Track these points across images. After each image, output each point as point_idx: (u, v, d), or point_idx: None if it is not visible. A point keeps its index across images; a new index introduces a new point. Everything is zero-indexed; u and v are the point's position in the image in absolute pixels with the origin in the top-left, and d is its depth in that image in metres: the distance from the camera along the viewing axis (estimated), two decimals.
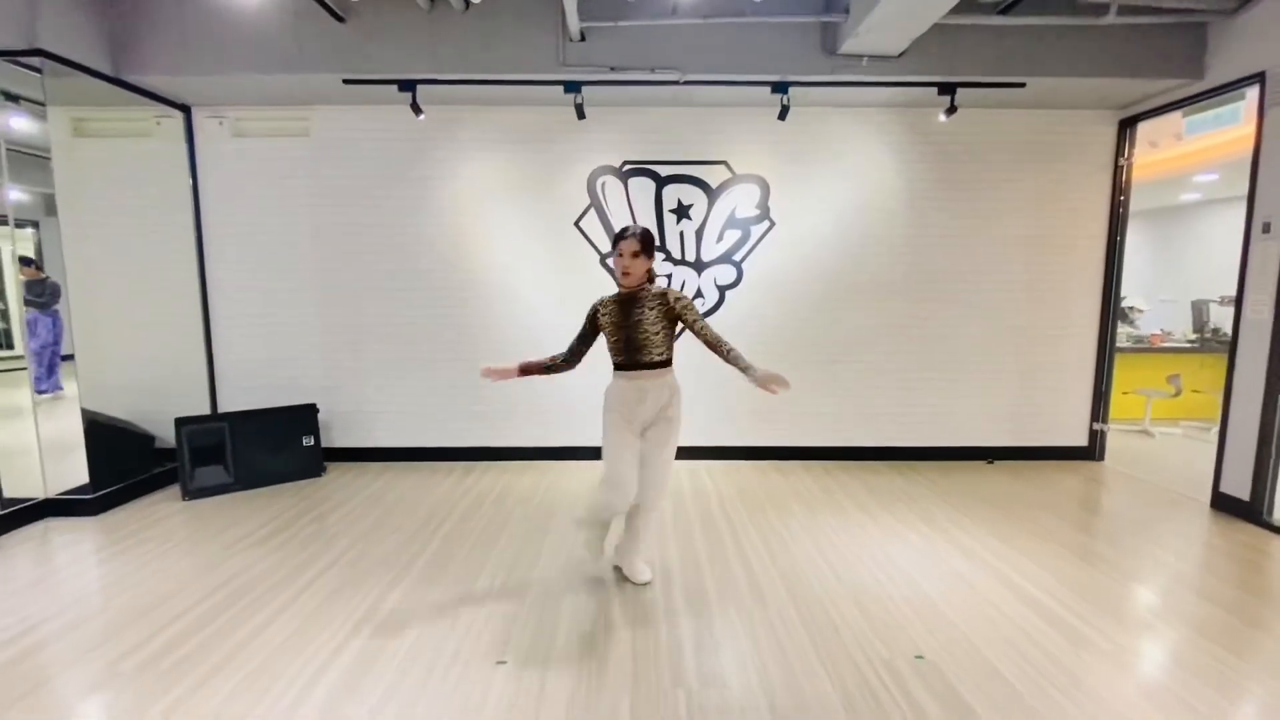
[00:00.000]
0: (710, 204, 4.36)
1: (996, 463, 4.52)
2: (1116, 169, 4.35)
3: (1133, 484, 4.12)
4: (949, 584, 2.69)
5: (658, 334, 2.45)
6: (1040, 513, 3.55)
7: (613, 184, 4.33)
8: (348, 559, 2.95)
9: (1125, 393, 6.12)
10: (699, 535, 3.21)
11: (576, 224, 4.36)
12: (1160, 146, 4.94)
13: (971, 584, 2.69)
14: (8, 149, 3.33)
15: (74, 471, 3.56)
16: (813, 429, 4.56)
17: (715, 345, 2.40)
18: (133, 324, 4.36)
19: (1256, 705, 1.95)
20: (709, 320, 2.57)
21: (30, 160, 3.51)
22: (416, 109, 3.88)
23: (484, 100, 4.13)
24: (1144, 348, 6.32)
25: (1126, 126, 4.29)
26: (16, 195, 3.48)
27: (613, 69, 3.68)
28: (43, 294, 3.63)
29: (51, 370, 3.63)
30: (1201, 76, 3.72)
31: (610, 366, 2.59)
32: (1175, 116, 4.14)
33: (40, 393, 3.61)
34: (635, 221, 4.36)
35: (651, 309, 2.45)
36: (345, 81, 3.76)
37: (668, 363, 2.52)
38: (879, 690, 1.98)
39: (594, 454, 4.51)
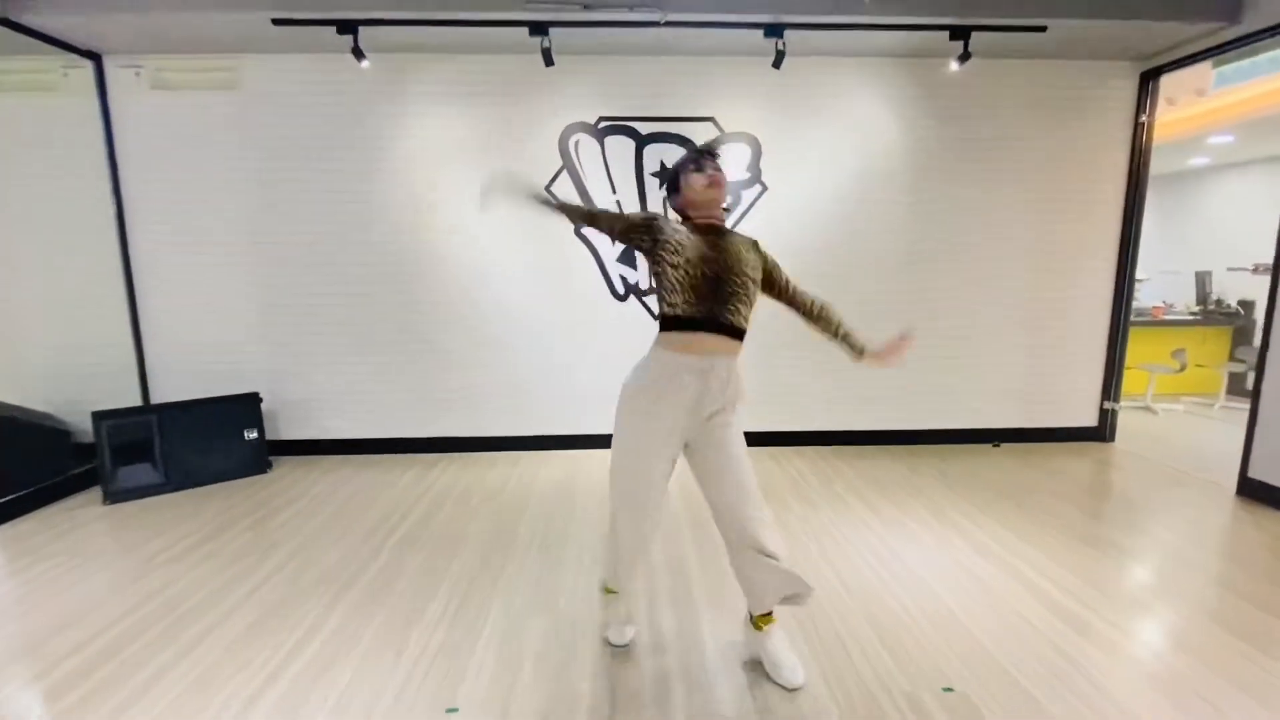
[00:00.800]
0: None
1: (1003, 445, 4.23)
2: (1136, 127, 4.00)
3: (1148, 467, 3.86)
4: (968, 591, 2.38)
5: (756, 284, 1.77)
6: (1055, 501, 3.26)
7: (587, 143, 3.89)
8: (283, 575, 2.56)
9: (1129, 368, 5.88)
10: (688, 538, 2.87)
11: (548, 188, 3.92)
12: (1178, 104, 4.59)
13: (991, 590, 2.38)
14: None
15: None
16: (809, 412, 4.23)
17: (823, 316, 1.87)
18: (49, 305, 3.89)
19: None
20: None
21: None
22: (359, 54, 3.39)
23: (438, 46, 3.64)
24: (1146, 320, 6.06)
25: (1148, 80, 3.93)
26: None
27: (585, 7, 3.22)
28: None
29: None
30: (1238, 20, 3.35)
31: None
32: (1201, 69, 3.80)
33: None
34: (613, 187, 3.94)
35: (750, 250, 1.78)
36: (275, 22, 3.26)
37: (744, 337, 1.78)
38: None
39: (571, 443, 4.16)
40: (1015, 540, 2.81)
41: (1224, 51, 3.52)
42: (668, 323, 1.73)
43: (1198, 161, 6.46)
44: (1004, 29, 3.36)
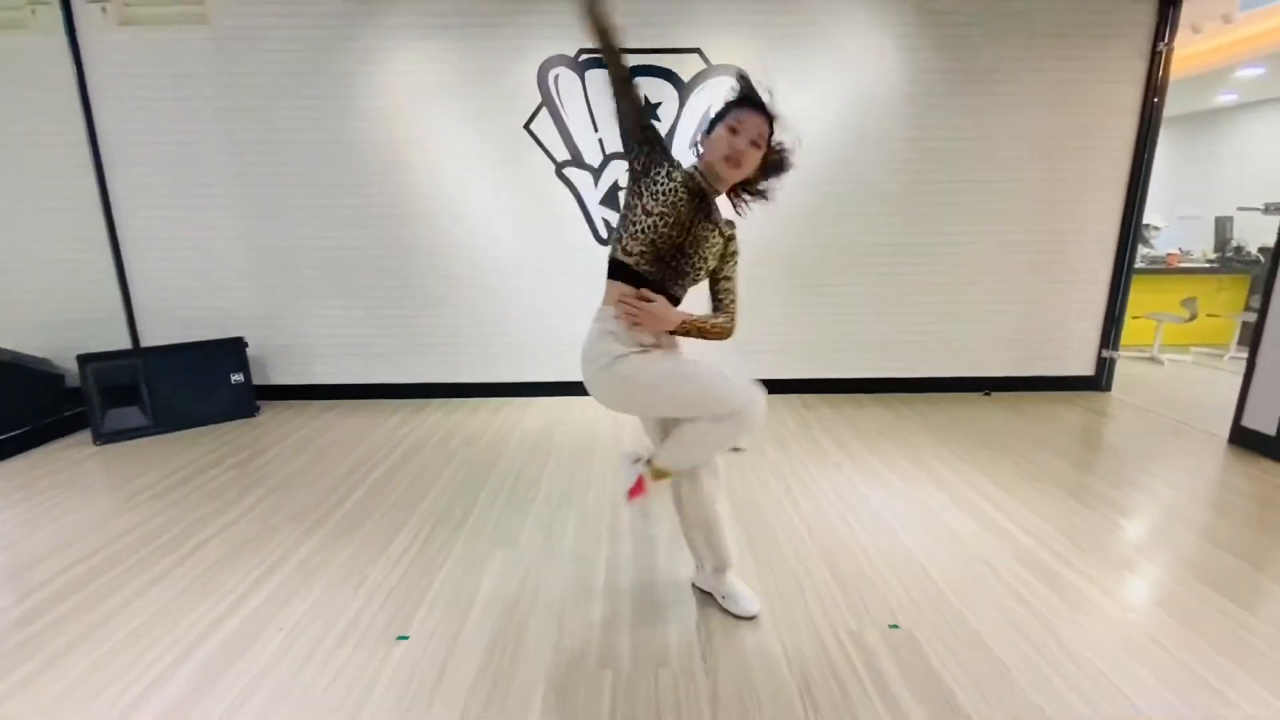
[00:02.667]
0: (682, 101, 3.78)
1: (994, 395, 4.16)
2: (1154, 56, 3.74)
3: (1141, 416, 3.78)
4: (933, 535, 2.37)
5: (701, 272, 1.69)
6: (1039, 450, 3.21)
7: (568, 77, 3.73)
8: (258, 511, 2.62)
9: (1135, 317, 5.68)
10: None
11: (527, 127, 3.79)
12: (1203, 33, 4.28)
13: (959, 536, 2.37)
14: None
15: None
16: (795, 360, 4.17)
17: (719, 310, 1.76)
18: (33, 251, 3.90)
19: (1249, 655, 1.64)
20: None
21: None
22: None
23: None
24: (1159, 268, 5.84)
25: (1169, 4, 3.65)
26: None
27: None
28: None
29: None
30: None
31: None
32: None
33: None
34: (595, 125, 3.80)
35: (721, 235, 1.67)
36: None
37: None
38: (839, 665, 1.67)
39: (555, 389, 4.15)
40: (991, 487, 2.78)
41: None
42: (621, 270, 1.65)
43: (1225, 98, 6.08)
44: None
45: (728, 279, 1.76)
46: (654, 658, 1.73)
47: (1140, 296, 5.72)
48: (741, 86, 1.63)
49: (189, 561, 2.23)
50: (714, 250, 1.67)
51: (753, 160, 1.62)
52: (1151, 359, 5.37)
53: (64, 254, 3.89)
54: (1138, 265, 5.85)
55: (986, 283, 4.05)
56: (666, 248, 1.60)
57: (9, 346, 3.59)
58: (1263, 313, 3.13)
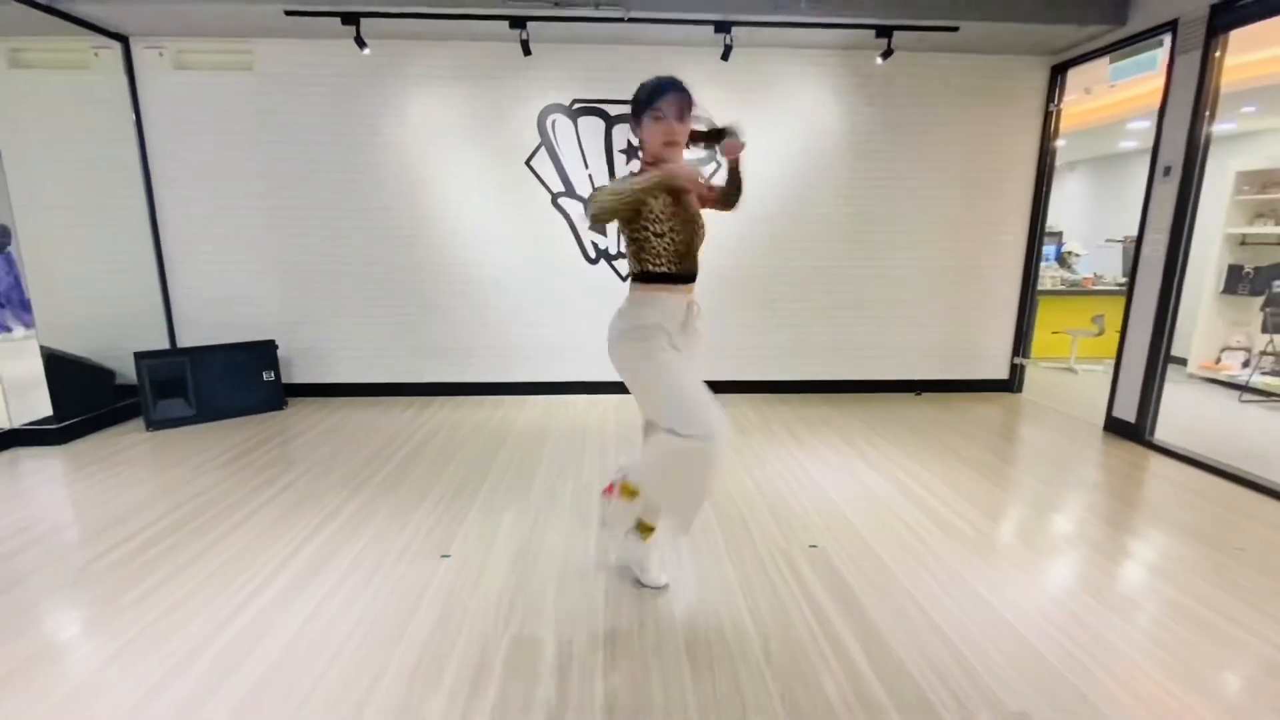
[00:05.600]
0: None
1: (924, 395, 4.86)
2: (1047, 115, 4.54)
3: (1042, 412, 4.50)
4: (854, 491, 3.02)
5: (704, 229, 1.95)
6: (952, 436, 3.89)
7: (563, 123, 4.39)
8: (307, 479, 3.16)
9: (1054, 332, 6.52)
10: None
11: (527, 163, 4.44)
12: (1094, 93, 5.13)
13: (873, 491, 3.02)
14: None
15: (39, 405, 3.67)
16: (757, 364, 4.83)
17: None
18: (87, 263, 4.39)
19: (1076, 570, 2.30)
20: None
21: None
22: (361, 43, 3.87)
23: (430, 34, 4.12)
24: (1076, 290, 6.68)
25: (1058, 73, 4.46)
26: None
27: (555, 4, 3.71)
28: None
29: (25, 309, 3.66)
30: (1124, 22, 3.88)
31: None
32: (1104, 63, 4.31)
33: (11, 327, 3.65)
34: (586, 162, 4.46)
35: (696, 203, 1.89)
36: (287, 13, 3.72)
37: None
38: (773, 574, 2.29)
39: (546, 389, 4.75)
40: (908, 461, 3.44)
41: (1117, 49, 4.04)
42: (651, 277, 1.86)
43: (1126, 144, 7.01)
44: (920, 28, 3.88)
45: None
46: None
47: (1059, 315, 6.57)
48: (650, 83, 1.81)
49: (257, 515, 2.77)
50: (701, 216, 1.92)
51: (685, 134, 1.81)
52: (1068, 369, 6.15)
53: (115, 266, 4.39)
54: (1059, 288, 6.74)
55: (915, 300, 4.78)
56: (684, 243, 1.85)
57: (65, 348, 4.07)
58: (1124, 328, 3.88)
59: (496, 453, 3.56)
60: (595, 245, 4.59)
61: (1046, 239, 7.64)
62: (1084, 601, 2.15)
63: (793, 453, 3.57)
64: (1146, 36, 3.80)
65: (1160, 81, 3.69)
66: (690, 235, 1.89)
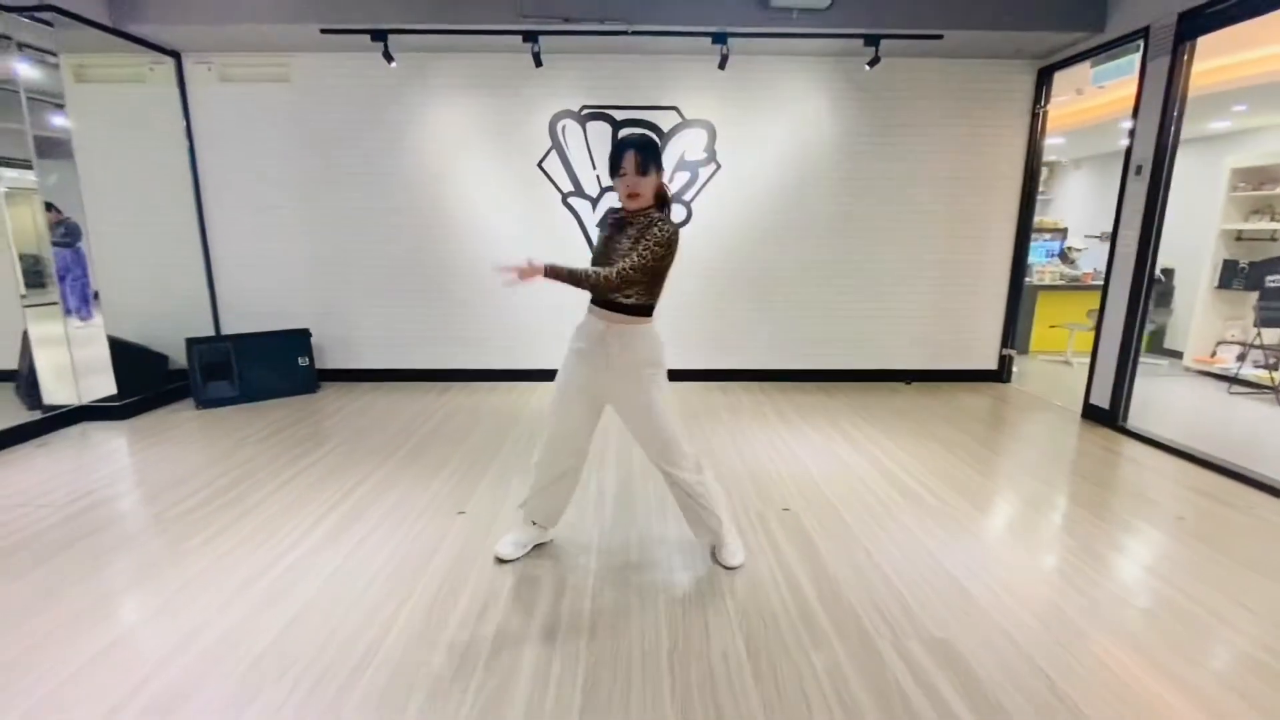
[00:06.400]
0: (662, 146, 4.76)
1: (914, 384, 5.10)
2: (1034, 115, 4.74)
3: (1026, 400, 4.72)
4: (831, 466, 3.30)
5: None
6: (934, 421, 4.14)
7: (573, 127, 4.72)
8: (339, 451, 3.53)
9: (1052, 326, 6.69)
10: None
11: (539, 165, 4.77)
12: (1086, 94, 5.31)
13: (849, 466, 3.30)
14: None
15: (106, 385, 4.11)
16: (757, 354, 5.12)
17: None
18: (143, 258, 4.82)
19: (1018, 531, 2.56)
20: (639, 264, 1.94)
21: (13, 100, 3.79)
22: (388, 57, 4.24)
23: (452, 48, 4.47)
24: (1076, 285, 6.83)
25: (1044, 75, 4.66)
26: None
27: (566, 20, 4.03)
28: (65, 234, 4.06)
29: (85, 300, 4.10)
30: (1103, 29, 4.08)
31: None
32: (1087, 66, 4.50)
33: (79, 316, 4.07)
34: (594, 164, 4.78)
35: (629, 238, 2.02)
36: (322, 31, 4.10)
37: (636, 311, 2.08)
38: (746, 531, 2.59)
39: (554, 376, 5.07)
40: (888, 443, 3.71)
41: (1097, 54, 4.24)
42: (648, 310, 2.10)
43: (1125, 142, 7.10)
44: (906, 37, 4.12)
45: (627, 262, 1.97)
46: (629, 520, 2.64)
47: (1057, 309, 6.74)
48: (615, 144, 2.02)
49: (297, 479, 3.14)
50: (626, 250, 2.02)
51: (646, 184, 1.99)
52: (1065, 361, 6.32)
53: (166, 260, 4.82)
54: (1059, 283, 6.90)
55: (907, 293, 5.02)
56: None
57: (124, 335, 4.50)
58: (1100, 320, 4.09)
59: (509, 430, 3.91)
60: None
61: (1050, 235, 7.82)
62: (1019, 554, 2.42)
63: (779, 432, 3.86)
64: (1124, 42, 4.00)
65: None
66: (597, 260, 2.15)
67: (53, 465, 3.34)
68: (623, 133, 2.12)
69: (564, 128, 4.72)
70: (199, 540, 2.53)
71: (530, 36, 4.12)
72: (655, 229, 1.98)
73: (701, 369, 5.12)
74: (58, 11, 3.67)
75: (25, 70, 3.69)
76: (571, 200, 4.85)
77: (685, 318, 4.96)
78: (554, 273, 1.96)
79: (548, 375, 5.23)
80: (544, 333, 5.03)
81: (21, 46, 3.64)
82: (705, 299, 4.99)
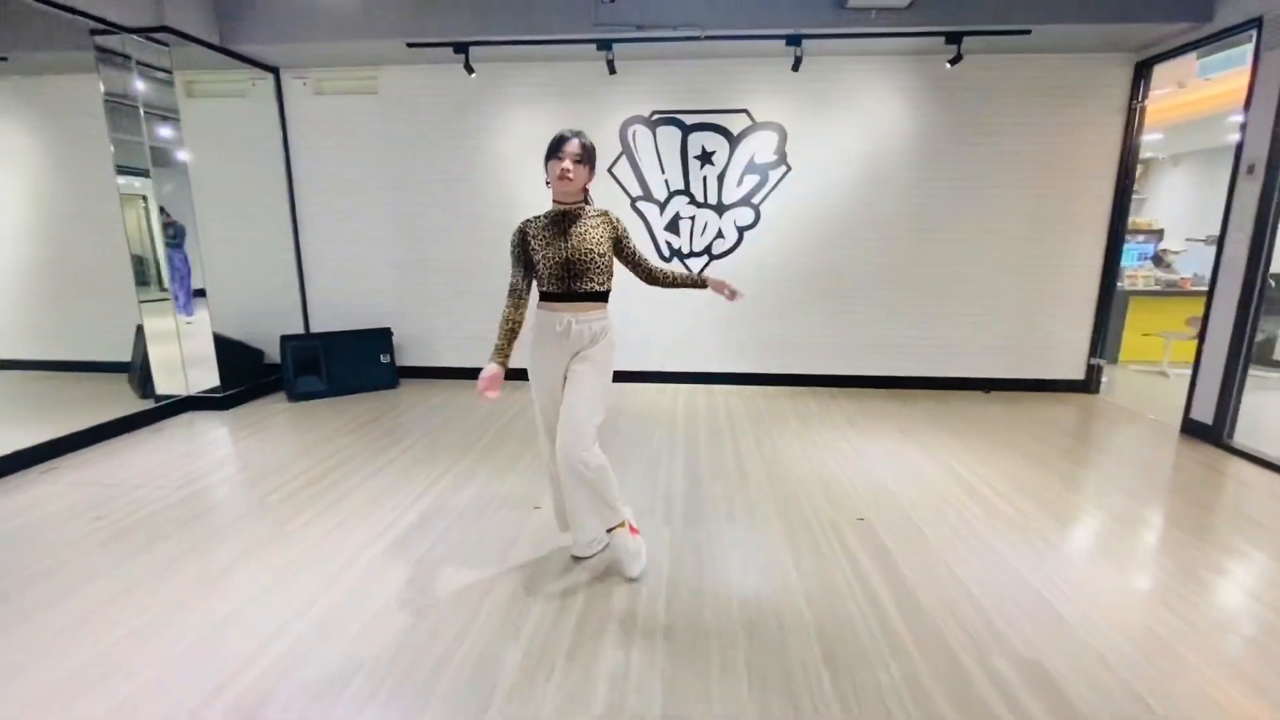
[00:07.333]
0: (732, 150, 4.76)
1: (993, 393, 4.90)
2: (1130, 111, 4.48)
3: (1116, 412, 4.46)
4: (904, 474, 3.23)
5: (603, 255, 2.17)
6: (1014, 432, 3.97)
7: (642, 133, 4.78)
8: (421, 445, 3.71)
9: (1145, 335, 6.27)
10: (702, 434, 3.83)
11: (609, 170, 4.86)
12: (1189, 87, 4.97)
13: (925, 477, 3.22)
14: (111, 106, 4.04)
15: (210, 377, 4.46)
16: (820, 359, 5.04)
17: (656, 273, 2.33)
18: (241, 259, 5.21)
19: (1116, 554, 2.43)
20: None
21: (134, 116, 4.13)
22: (469, 68, 4.42)
23: (528, 58, 4.61)
24: (1173, 291, 6.38)
25: (1142, 69, 4.39)
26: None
27: (639, 27, 4.09)
28: (174, 236, 4.44)
29: (190, 297, 4.46)
30: (1210, 19, 3.82)
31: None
32: (1192, 58, 4.22)
33: (185, 312, 4.43)
34: (663, 169, 4.83)
35: (595, 227, 2.16)
36: (409, 45, 4.31)
37: (606, 297, 2.25)
38: (819, 539, 2.57)
39: (620, 377, 5.14)
40: (964, 452, 3.59)
41: (1203, 46, 3.97)
42: (541, 295, 2.22)
43: (1233, 138, 6.58)
44: (992, 33, 3.97)
45: (638, 254, 2.31)
46: (698, 520, 2.67)
47: (1152, 316, 6.31)
48: (555, 136, 2.12)
49: (386, 469, 3.33)
50: (597, 239, 2.16)
51: (581, 172, 2.11)
52: (1161, 373, 5.92)
53: (262, 261, 5.19)
54: (1154, 288, 6.46)
55: (986, 298, 4.82)
56: (559, 264, 2.16)
57: (221, 330, 4.87)
58: (1204, 328, 3.82)
59: None
60: (669, 245, 4.96)
61: (1144, 237, 7.33)
62: (1111, 575, 2.30)
63: (850, 439, 3.80)
64: (1233, 33, 3.73)
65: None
66: (567, 256, 2.16)
67: (166, 450, 3.65)
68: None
69: (634, 133, 4.79)
70: (303, 520, 2.73)
71: (604, 44, 4.20)
72: (620, 223, 2.26)
73: (764, 373, 5.08)
74: (172, 33, 4.01)
75: (143, 88, 4.04)
76: (640, 205, 4.91)
77: (747, 321, 4.94)
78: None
79: (616, 375, 5.32)
80: (628, 333, 5.10)
81: (140, 66, 3.99)
82: (769, 303, 4.95)
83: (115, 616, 2.06)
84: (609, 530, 2.26)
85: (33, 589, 2.21)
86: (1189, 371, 5.98)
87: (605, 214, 2.22)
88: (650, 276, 2.35)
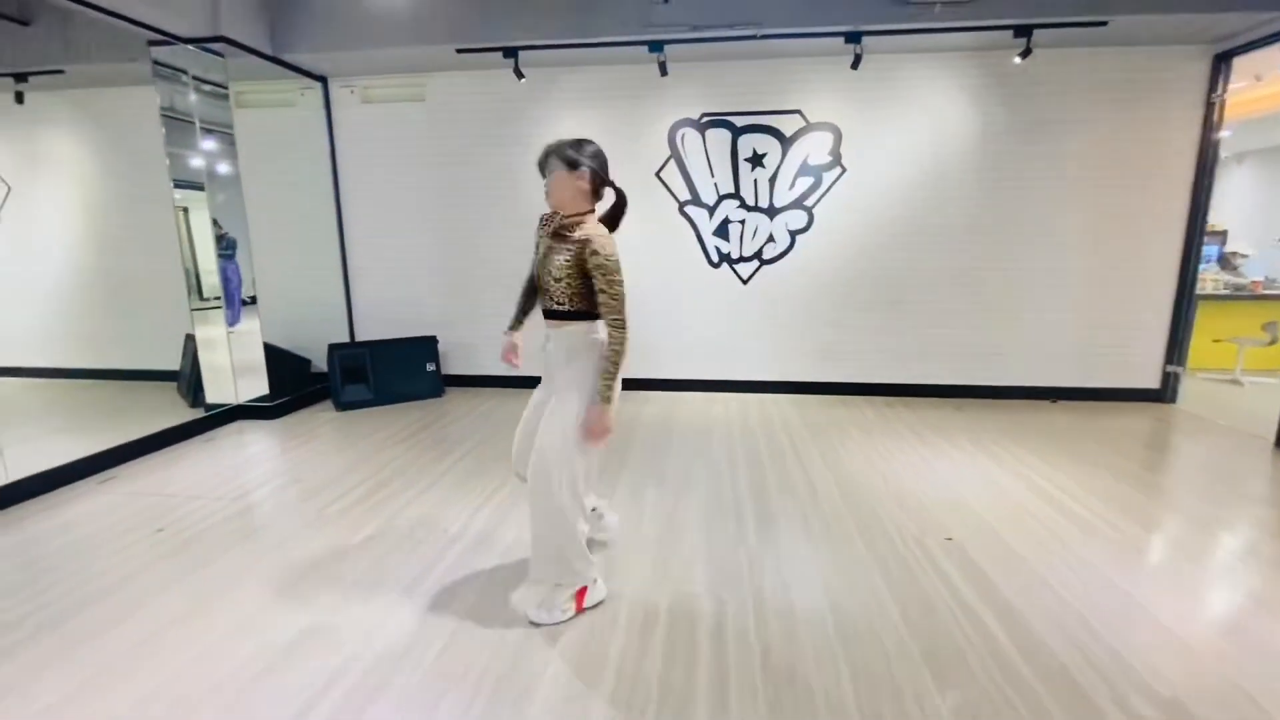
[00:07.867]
0: (784, 152, 4.63)
1: (1061, 402, 4.67)
2: (1209, 105, 4.25)
3: (1199, 423, 4.20)
4: (983, 488, 3.05)
5: (559, 281, 2.01)
6: (1091, 443, 3.75)
7: (691, 136, 4.68)
8: (472, 456, 3.62)
9: (1216, 341, 5.96)
10: (763, 446, 3.68)
11: (657, 174, 4.76)
12: (1266, 80, 4.71)
13: (1004, 489, 3.03)
14: (167, 119, 4.06)
15: (259, 386, 4.45)
16: (877, 366, 4.86)
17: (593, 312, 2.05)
18: (288, 268, 5.20)
19: (1240, 579, 2.23)
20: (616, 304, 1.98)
21: (189, 129, 4.16)
22: (519, 73, 4.36)
23: (577, 61, 4.55)
24: (1243, 294, 6.06)
25: (1221, 61, 4.17)
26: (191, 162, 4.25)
27: (694, 27, 4.00)
28: (226, 247, 4.44)
29: (239, 309, 4.46)
30: None
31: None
32: (1278, 49, 3.99)
33: (232, 326, 4.44)
34: (712, 173, 4.71)
35: (563, 252, 2.00)
36: (458, 51, 4.28)
37: (573, 316, 2.06)
38: (910, 561, 2.41)
39: (669, 386, 5.04)
40: (1040, 463, 3.39)
41: None
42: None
43: None
44: (1066, 25, 3.80)
45: (606, 296, 1.98)
46: (774, 543, 2.53)
47: (1222, 321, 6.00)
48: (550, 145, 2.04)
49: (441, 481, 3.24)
50: (561, 264, 2.02)
51: (561, 186, 2.01)
52: (1234, 381, 5.62)
53: (309, 269, 5.18)
54: (1223, 292, 6.15)
55: (1053, 303, 4.60)
56: (538, 280, 2.20)
57: (269, 339, 4.86)
58: None
59: (630, 438, 3.88)
60: (719, 250, 4.83)
61: (1208, 238, 7.01)
62: (1235, 597, 2.11)
63: (918, 451, 3.62)
64: None
65: None
66: (539, 272, 2.15)
67: (220, 461, 3.62)
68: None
69: (683, 136, 4.69)
70: (365, 534, 2.65)
71: (656, 46, 4.11)
72: (601, 259, 1.94)
73: (819, 380, 4.92)
74: (228, 42, 4.02)
75: (197, 101, 4.06)
76: (688, 209, 4.81)
77: (795, 328, 4.80)
78: (610, 395, 2.05)
79: (662, 385, 5.26)
80: (660, 346, 5.00)
81: (196, 80, 4.00)
82: (820, 308, 4.80)
83: (185, 633, 1.99)
84: (564, 592, 2.06)
85: (100, 604, 2.16)
86: (1266, 380, 5.74)
87: (586, 242, 1.95)
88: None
